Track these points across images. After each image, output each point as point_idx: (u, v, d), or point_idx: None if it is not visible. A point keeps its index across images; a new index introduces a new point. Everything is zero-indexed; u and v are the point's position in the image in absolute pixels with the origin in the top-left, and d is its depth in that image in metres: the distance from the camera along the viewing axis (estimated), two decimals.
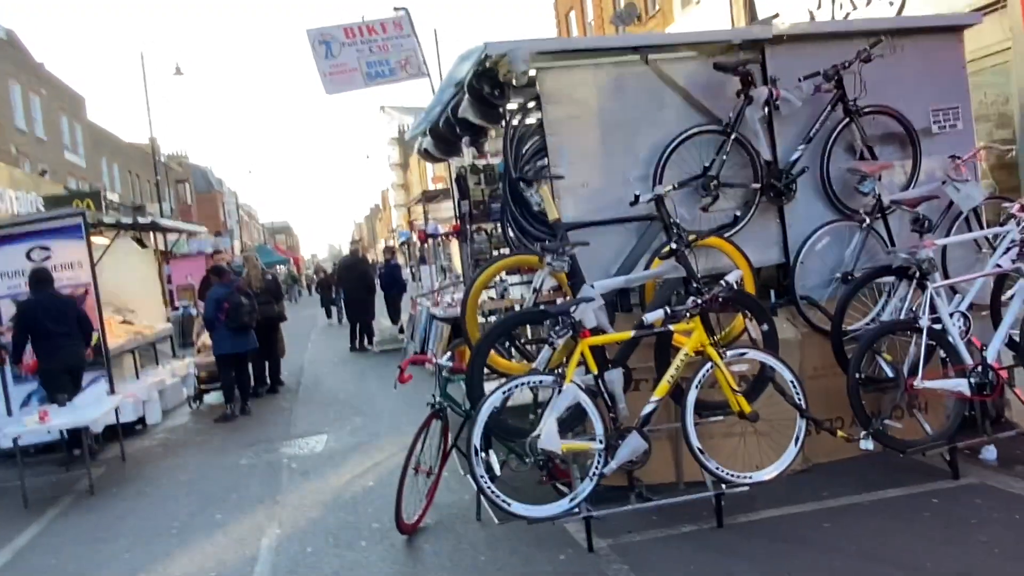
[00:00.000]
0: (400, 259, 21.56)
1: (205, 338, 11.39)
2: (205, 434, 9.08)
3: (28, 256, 9.29)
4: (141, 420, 9.82)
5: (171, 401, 11.18)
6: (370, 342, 15.60)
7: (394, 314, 16.54)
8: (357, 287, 15.25)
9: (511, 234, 5.71)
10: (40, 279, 8.38)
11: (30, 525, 6.09)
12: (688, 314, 4.60)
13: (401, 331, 15.54)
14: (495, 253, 8.20)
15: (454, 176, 8.76)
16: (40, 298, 8.27)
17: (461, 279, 9.84)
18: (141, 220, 9.99)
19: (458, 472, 5.67)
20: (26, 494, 6.63)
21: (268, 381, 11.51)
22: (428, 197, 13.60)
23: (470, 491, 5.35)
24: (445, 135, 7.06)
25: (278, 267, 49.96)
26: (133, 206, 31.78)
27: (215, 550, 5.22)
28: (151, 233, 13.66)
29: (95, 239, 11.68)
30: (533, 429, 4.44)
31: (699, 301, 4.56)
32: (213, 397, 11.25)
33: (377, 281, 16.44)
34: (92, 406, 7.36)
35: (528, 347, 5.73)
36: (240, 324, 9.76)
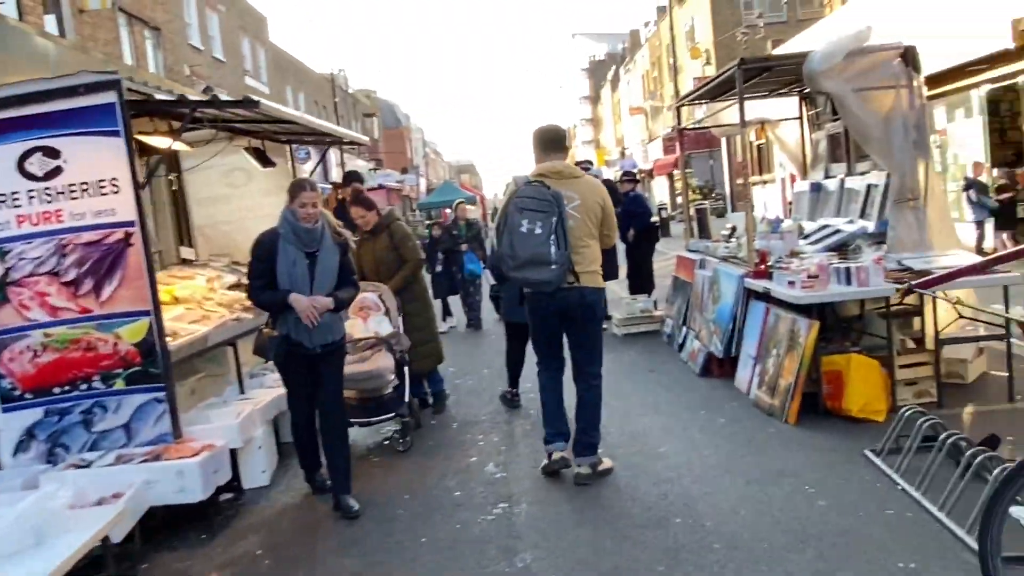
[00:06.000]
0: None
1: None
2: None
3: (21, 166, 4.82)
4: (233, 485, 5.21)
5: None
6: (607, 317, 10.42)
7: (642, 276, 10.94)
8: None
9: None
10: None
11: None
12: None
13: (655, 305, 10.16)
14: None
15: None
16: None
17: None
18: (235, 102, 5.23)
19: None
20: None
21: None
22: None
23: None
24: None
25: (467, 207, 46.08)
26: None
27: None
28: (287, 148, 9.12)
29: (178, 147, 7.08)
30: None
31: None
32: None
33: None
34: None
35: None
36: None
